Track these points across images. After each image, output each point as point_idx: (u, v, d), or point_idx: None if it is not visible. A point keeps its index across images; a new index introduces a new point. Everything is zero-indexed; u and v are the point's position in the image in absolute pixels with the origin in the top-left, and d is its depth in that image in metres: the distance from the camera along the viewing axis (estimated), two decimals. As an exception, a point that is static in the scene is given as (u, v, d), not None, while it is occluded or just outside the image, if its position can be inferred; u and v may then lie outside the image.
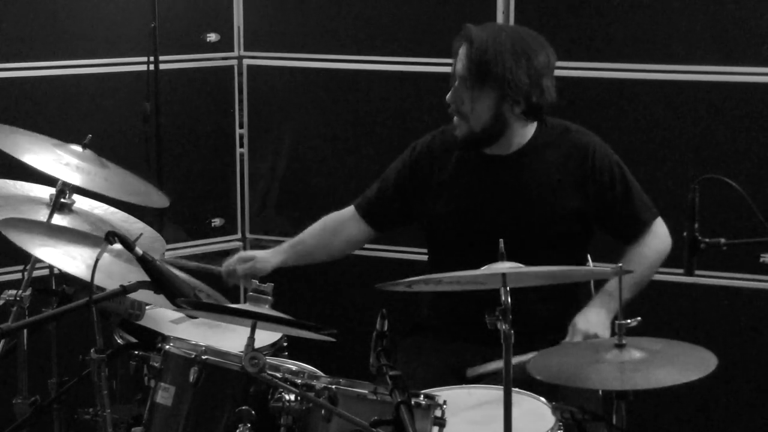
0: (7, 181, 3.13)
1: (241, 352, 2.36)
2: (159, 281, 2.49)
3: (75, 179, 2.99)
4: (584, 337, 2.94)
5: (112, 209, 3.18)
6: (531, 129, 3.10)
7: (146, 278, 2.49)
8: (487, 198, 3.09)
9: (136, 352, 2.80)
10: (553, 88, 3.02)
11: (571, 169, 3.08)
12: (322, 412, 2.38)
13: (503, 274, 2.36)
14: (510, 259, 2.64)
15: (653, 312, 3.48)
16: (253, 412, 2.46)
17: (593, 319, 2.98)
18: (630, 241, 3.13)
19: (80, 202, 3.11)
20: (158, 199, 3.26)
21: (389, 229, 3.37)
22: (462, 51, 3.02)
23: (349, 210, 3.32)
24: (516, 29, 3.12)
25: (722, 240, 2.42)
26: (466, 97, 3.02)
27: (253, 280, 3.06)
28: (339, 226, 3.32)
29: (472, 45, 2.99)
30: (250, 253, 3.33)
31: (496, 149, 3.09)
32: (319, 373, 2.60)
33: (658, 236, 3.14)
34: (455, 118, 3.07)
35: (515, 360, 2.40)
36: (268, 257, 3.29)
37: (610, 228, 3.15)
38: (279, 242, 3.33)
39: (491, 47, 2.97)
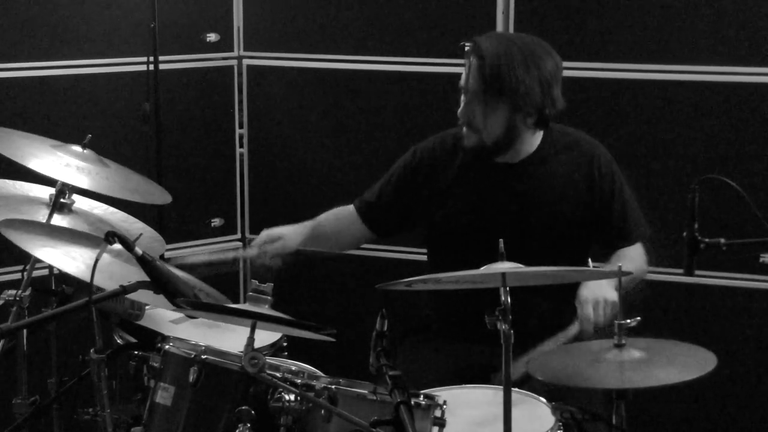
0: (7, 181, 3.13)
1: (241, 352, 2.35)
2: (159, 281, 2.49)
3: (75, 180, 2.99)
4: (594, 303, 2.83)
5: (112, 209, 3.18)
6: (538, 137, 3.09)
7: (146, 278, 2.49)
8: (493, 205, 3.08)
9: (136, 352, 2.80)
10: (560, 95, 3.02)
11: (578, 177, 3.08)
12: (322, 412, 2.38)
13: (503, 274, 2.36)
14: (511, 260, 2.64)
15: (653, 312, 3.49)
16: (253, 412, 2.45)
17: (595, 286, 2.89)
18: (615, 249, 3.12)
19: (80, 202, 3.11)
20: (160, 196, 3.26)
21: (388, 234, 3.33)
22: (472, 65, 2.99)
23: (352, 209, 3.29)
24: (522, 38, 3.08)
25: (722, 240, 2.42)
26: (478, 111, 3.00)
27: (253, 281, 3.06)
28: (346, 221, 3.29)
29: (484, 60, 2.96)
30: (275, 231, 3.22)
31: (503, 157, 3.08)
32: (319, 373, 2.60)
33: (642, 257, 3.12)
34: (464, 129, 3.05)
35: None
36: (293, 235, 3.21)
37: (599, 236, 3.14)
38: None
39: (503, 61, 2.94)
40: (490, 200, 3.09)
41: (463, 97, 3.04)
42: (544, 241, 3.06)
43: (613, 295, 2.83)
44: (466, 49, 3.02)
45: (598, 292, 2.86)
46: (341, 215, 3.31)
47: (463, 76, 3.03)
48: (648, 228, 3.15)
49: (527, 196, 3.07)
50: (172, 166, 4.04)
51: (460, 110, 3.04)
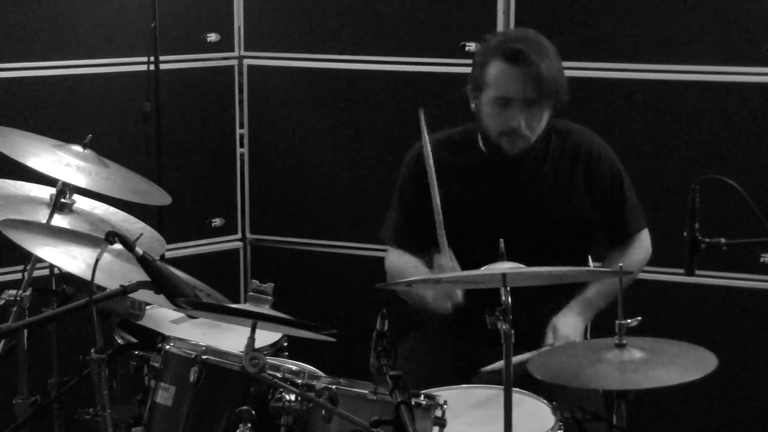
0: (7, 181, 3.12)
1: (241, 352, 2.36)
2: (159, 281, 2.49)
3: (76, 180, 2.99)
4: (562, 342, 2.93)
5: (113, 209, 3.18)
6: None
7: (146, 278, 2.49)
8: (503, 201, 3.08)
9: (136, 352, 2.80)
10: None
11: (578, 169, 3.09)
12: (322, 412, 2.38)
13: (503, 274, 2.36)
14: (512, 260, 2.65)
15: (653, 312, 3.48)
16: (253, 412, 2.46)
17: (573, 325, 2.99)
18: (614, 245, 3.15)
19: (80, 202, 3.11)
20: (160, 197, 3.26)
21: (424, 250, 3.18)
22: (525, 73, 2.92)
23: (391, 250, 3.20)
24: (535, 34, 3.05)
25: (722, 240, 2.42)
26: (536, 119, 2.98)
27: (253, 280, 3.06)
28: (404, 263, 3.16)
29: (538, 68, 2.91)
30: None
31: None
32: (319, 373, 2.60)
33: (642, 247, 3.17)
34: (508, 137, 2.98)
35: (516, 359, 2.41)
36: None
37: (599, 226, 3.15)
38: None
39: (550, 66, 2.93)
40: (501, 196, 3.08)
41: (510, 106, 2.95)
42: (548, 235, 3.07)
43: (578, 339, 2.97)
44: (514, 57, 2.94)
45: (573, 337, 2.95)
46: (402, 257, 3.16)
47: (515, 86, 2.93)
48: (645, 219, 3.17)
49: (533, 189, 3.08)
50: (172, 166, 4.03)
51: (523, 123, 2.96)
